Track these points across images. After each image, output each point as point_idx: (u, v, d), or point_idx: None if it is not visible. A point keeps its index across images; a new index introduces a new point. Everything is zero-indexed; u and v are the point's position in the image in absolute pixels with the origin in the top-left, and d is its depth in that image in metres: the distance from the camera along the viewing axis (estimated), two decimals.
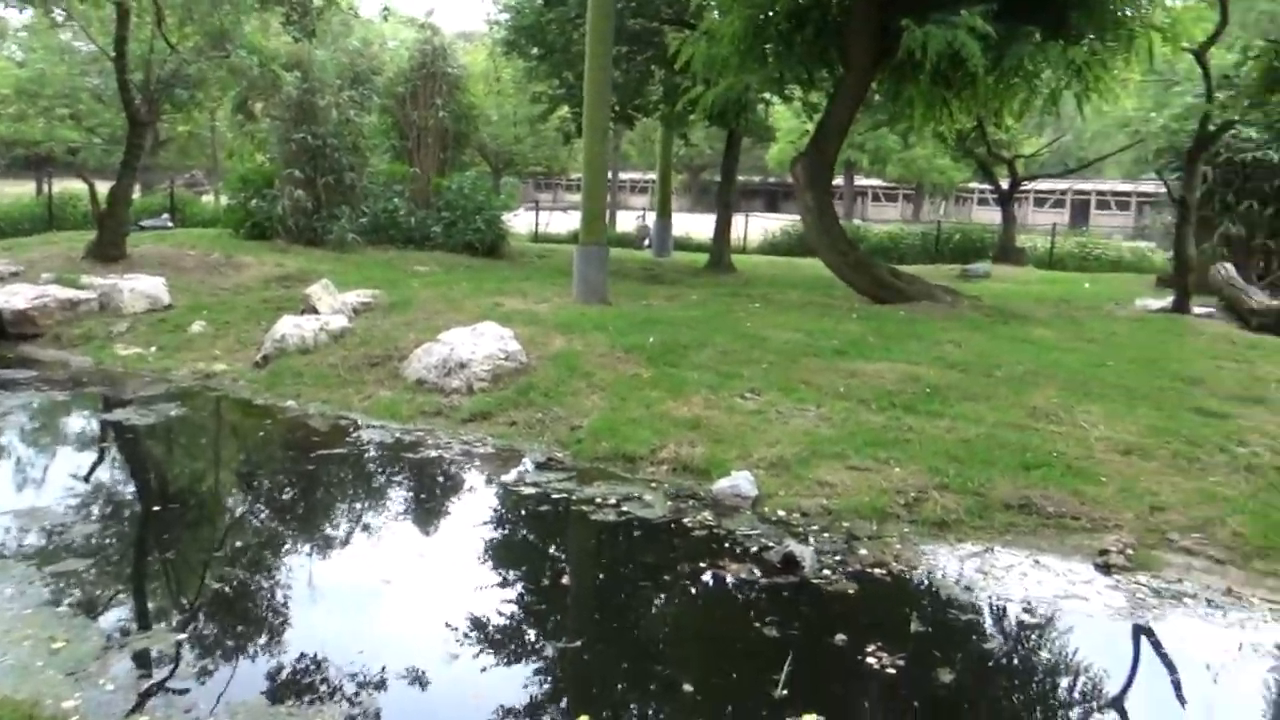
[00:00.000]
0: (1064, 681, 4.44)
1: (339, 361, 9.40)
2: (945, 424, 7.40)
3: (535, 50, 17.12)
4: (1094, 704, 4.24)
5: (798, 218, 33.69)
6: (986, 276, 18.85)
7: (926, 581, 5.34)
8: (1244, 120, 12.66)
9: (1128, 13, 11.36)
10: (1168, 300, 11.85)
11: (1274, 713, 4.26)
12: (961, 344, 9.64)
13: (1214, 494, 6.21)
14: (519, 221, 23.32)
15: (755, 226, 27.37)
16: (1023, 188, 26.24)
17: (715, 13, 12.84)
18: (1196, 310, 11.51)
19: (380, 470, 7.22)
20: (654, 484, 6.69)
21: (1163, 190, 47.85)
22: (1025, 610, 5.01)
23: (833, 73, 13.46)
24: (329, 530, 6.12)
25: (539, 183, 48.27)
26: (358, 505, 6.55)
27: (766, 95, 16.39)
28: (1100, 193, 54.75)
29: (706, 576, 5.30)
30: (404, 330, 10.11)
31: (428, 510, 6.62)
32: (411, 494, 6.84)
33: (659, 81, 17.27)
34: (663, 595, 5.20)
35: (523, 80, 20.49)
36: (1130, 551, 5.65)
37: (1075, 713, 4.19)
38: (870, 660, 4.35)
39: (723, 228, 18.37)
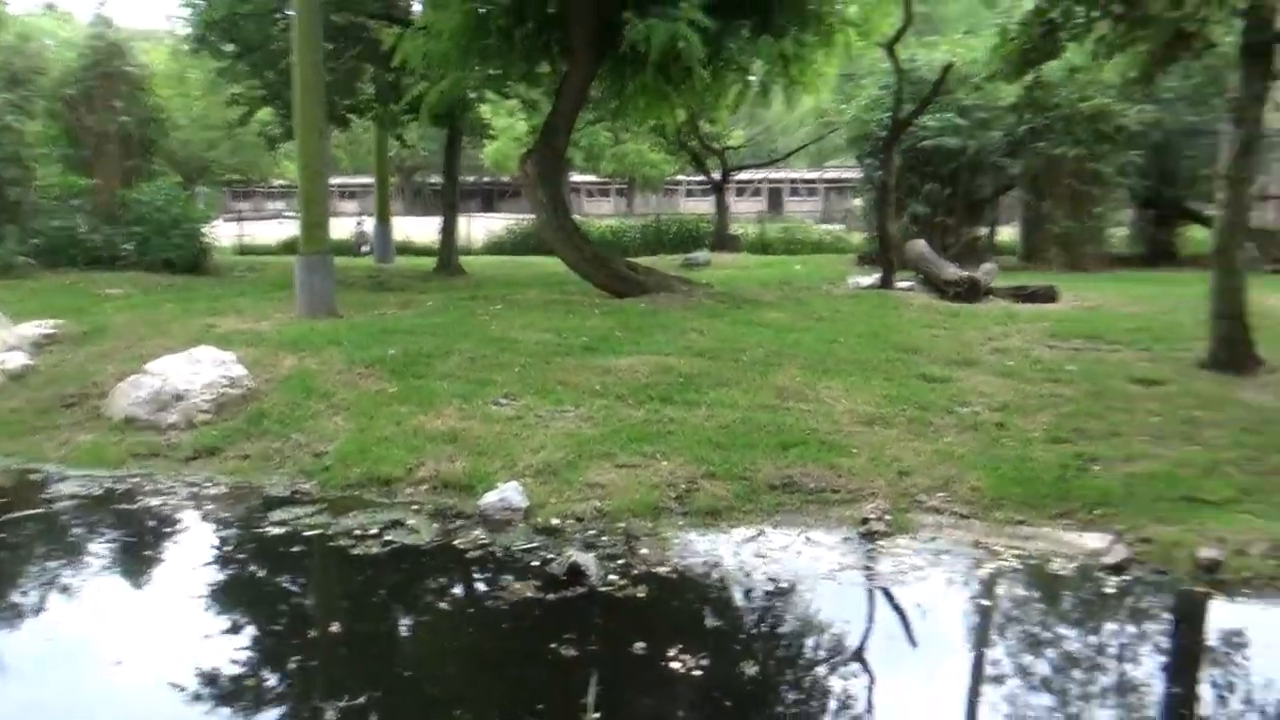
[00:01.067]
0: (854, 653, 4.54)
1: (24, 405, 8.06)
2: (703, 412, 7.48)
3: (229, 48, 15.69)
4: (891, 670, 4.36)
5: (519, 217, 33.72)
6: (708, 265, 19.63)
7: (711, 573, 5.30)
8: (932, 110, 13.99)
9: (825, 8, 12.13)
10: (875, 277, 12.86)
11: (1026, 654, 4.58)
12: (705, 332, 9.86)
13: (950, 453, 6.69)
14: (219, 233, 21.44)
15: (479, 227, 26.93)
16: (729, 178, 27.70)
17: (430, 7, 12.32)
18: (900, 285, 12.56)
19: (89, 528, 6.19)
20: (416, 506, 6.23)
21: (846, 176, 52.09)
22: (807, 589, 5.10)
23: (556, 68, 13.37)
24: (25, 612, 5.11)
25: (237, 192, 44.98)
26: (65, 575, 5.54)
27: (487, 92, 16.05)
28: (792, 181, 59.06)
29: (491, 601, 4.97)
30: (102, 363, 8.85)
31: (156, 569, 5.74)
32: (132, 553, 5.91)
33: (370, 79, 16.44)
34: (447, 629, 4.80)
35: (215, 81, 18.77)
36: (888, 517, 5.93)
37: (879, 683, 4.28)
38: (675, 665, 4.21)
39: (449, 229, 17.84)
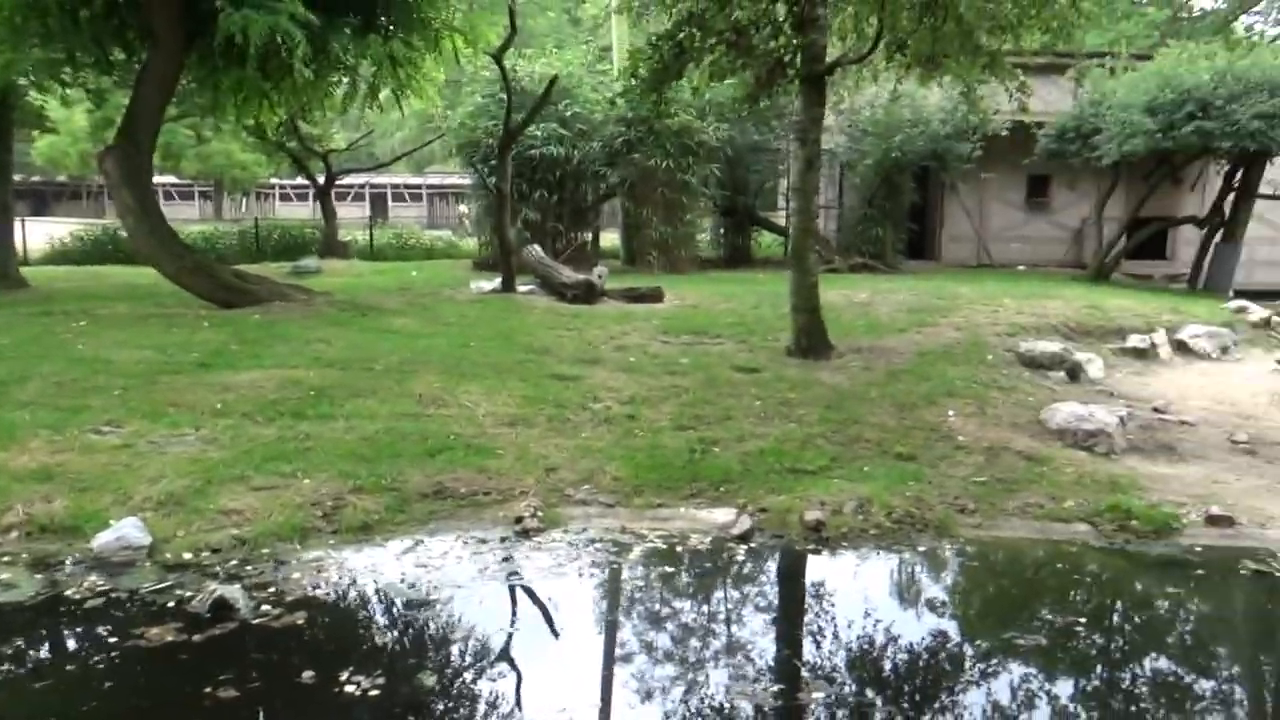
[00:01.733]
0: (528, 646, 4.65)
1: None
2: (342, 425, 7.19)
3: None
4: (562, 656, 4.53)
5: (83, 222, 29.65)
6: (319, 272, 18.76)
7: (372, 590, 5.14)
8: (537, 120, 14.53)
9: (430, 14, 12.13)
10: (497, 282, 13.12)
11: (671, 624, 5.02)
12: (331, 341, 9.45)
13: (589, 447, 7.06)
14: None
15: (39, 233, 23.30)
16: (334, 182, 26.65)
17: None
18: (521, 289, 12.95)
19: None
20: (9, 558, 5.32)
21: (450, 182, 52.09)
22: (471, 592, 5.12)
23: (135, 54, 11.99)
24: None
25: None
26: None
27: (47, 79, 13.94)
28: (395, 186, 58.21)
29: (125, 652, 4.39)
30: None
31: None
32: None
33: None
34: (78, 691, 4.16)
35: None
36: (540, 513, 6.13)
37: (553, 670, 4.42)
38: (350, 688, 4.04)
39: (6, 236, 15.24)
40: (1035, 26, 7.95)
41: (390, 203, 56.84)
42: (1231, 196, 17.34)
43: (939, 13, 7.85)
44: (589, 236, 19.75)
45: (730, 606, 5.24)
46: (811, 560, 5.73)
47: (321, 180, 23.73)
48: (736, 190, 19.45)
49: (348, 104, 13.21)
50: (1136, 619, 5.35)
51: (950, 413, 7.90)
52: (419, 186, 57.03)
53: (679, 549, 5.75)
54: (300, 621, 4.68)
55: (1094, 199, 20.85)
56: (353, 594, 5.07)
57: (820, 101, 9.01)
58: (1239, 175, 17.00)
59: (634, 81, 9.45)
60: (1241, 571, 5.59)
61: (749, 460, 6.86)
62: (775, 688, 4.21)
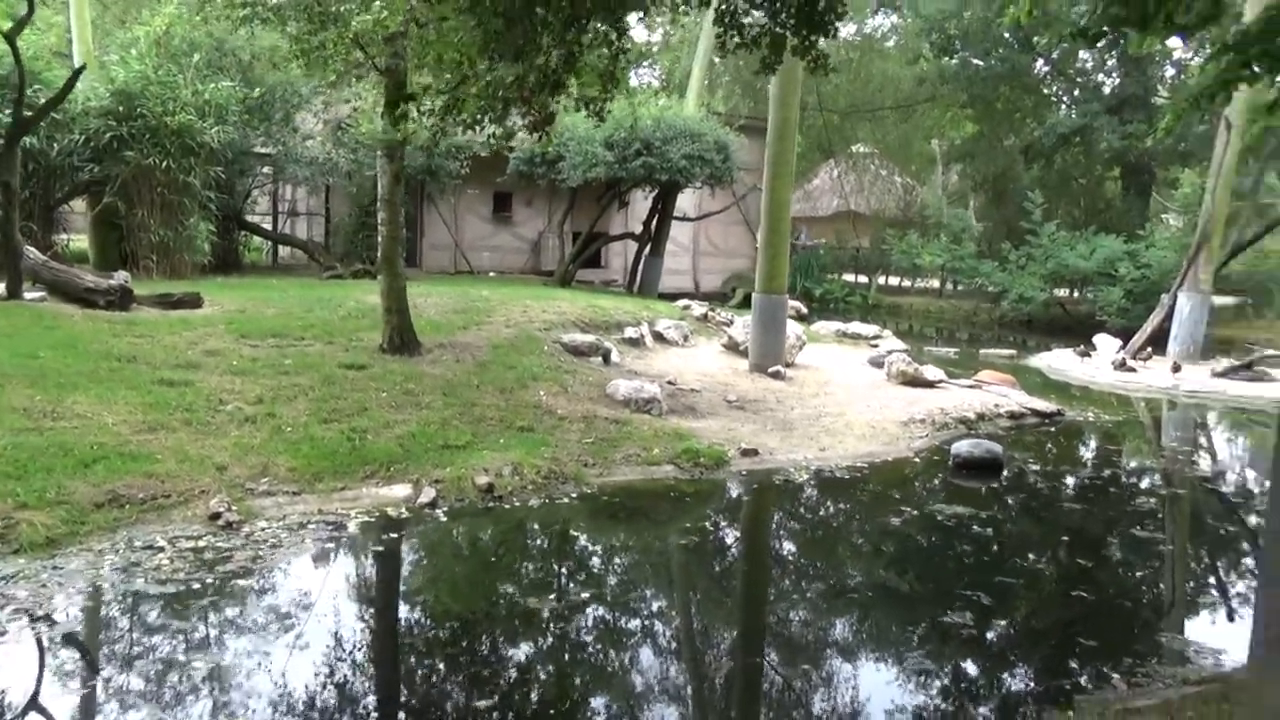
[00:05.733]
0: (234, 658, 5.23)
1: None
2: None
3: None
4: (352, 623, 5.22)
5: None
6: None
7: (95, 602, 5.18)
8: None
9: None
10: (1, 288, 11.51)
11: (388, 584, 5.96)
12: None
13: (248, 445, 7.35)
14: None
15: None
16: None
17: None
18: (29, 296, 11.56)
19: None
20: None
21: None
22: (210, 587, 5.44)
23: None
24: None
25: None
26: None
27: None
28: None
29: None
30: None
31: None
32: None
33: None
34: None
35: None
36: (234, 507, 6.43)
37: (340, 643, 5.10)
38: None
39: None
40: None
41: None
42: (656, 219, 21.74)
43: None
44: (64, 238, 17.65)
45: (461, 549, 6.28)
46: (498, 511, 6.95)
47: None
48: (230, 194, 18.93)
49: None
50: (731, 514, 7.55)
51: (541, 393, 9.56)
52: None
53: (386, 519, 6.56)
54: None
55: (548, 215, 24.27)
56: (69, 609, 5.09)
57: (405, 118, 10.00)
58: (661, 202, 21.41)
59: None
60: (775, 480, 8.16)
61: (405, 442, 7.76)
62: (534, 596, 5.47)
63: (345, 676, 4.52)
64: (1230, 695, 3.76)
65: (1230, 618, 5.84)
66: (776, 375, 11.99)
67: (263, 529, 6.22)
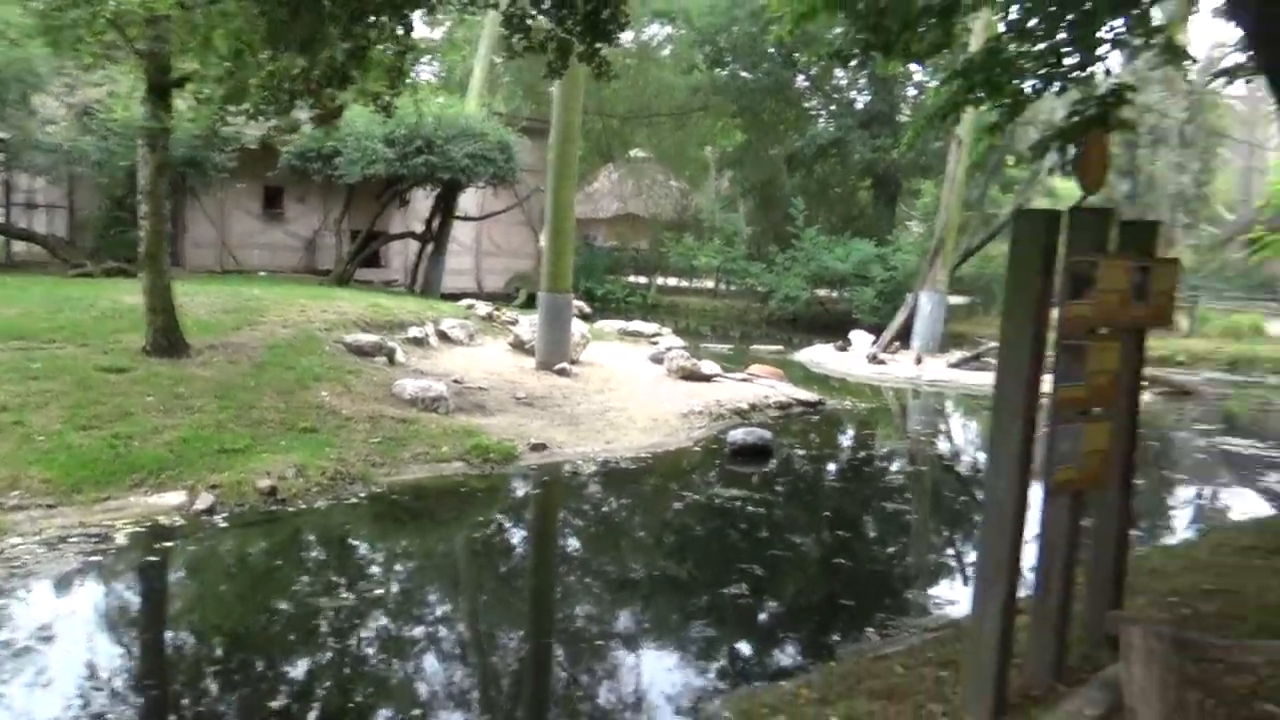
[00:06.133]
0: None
1: None
2: None
3: None
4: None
5: None
6: None
7: None
8: None
9: None
10: None
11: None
12: None
13: None
14: None
15: None
16: None
17: None
18: None
19: None
20: None
21: None
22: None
23: None
24: None
25: None
26: None
27: None
28: None
29: None
30: None
31: None
32: None
33: None
34: None
35: None
36: None
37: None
38: None
39: None
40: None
41: None
42: (438, 218, 21.48)
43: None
44: None
45: (240, 556, 6.06)
46: (282, 515, 6.77)
47: None
48: None
49: None
50: (522, 508, 7.70)
51: (324, 393, 9.31)
52: None
53: (162, 527, 6.26)
54: None
55: (323, 212, 23.41)
56: None
57: (168, 109, 9.45)
58: (444, 201, 21.20)
59: None
60: (564, 472, 8.41)
61: (176, 448, 7.38)
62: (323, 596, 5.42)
63: (103, 705, 4.28)
64: (960, 635, 4.35)
65: (964, 575, 6.64)
66: (563, 372, 12.26)
67: (14, 545, 5.76)
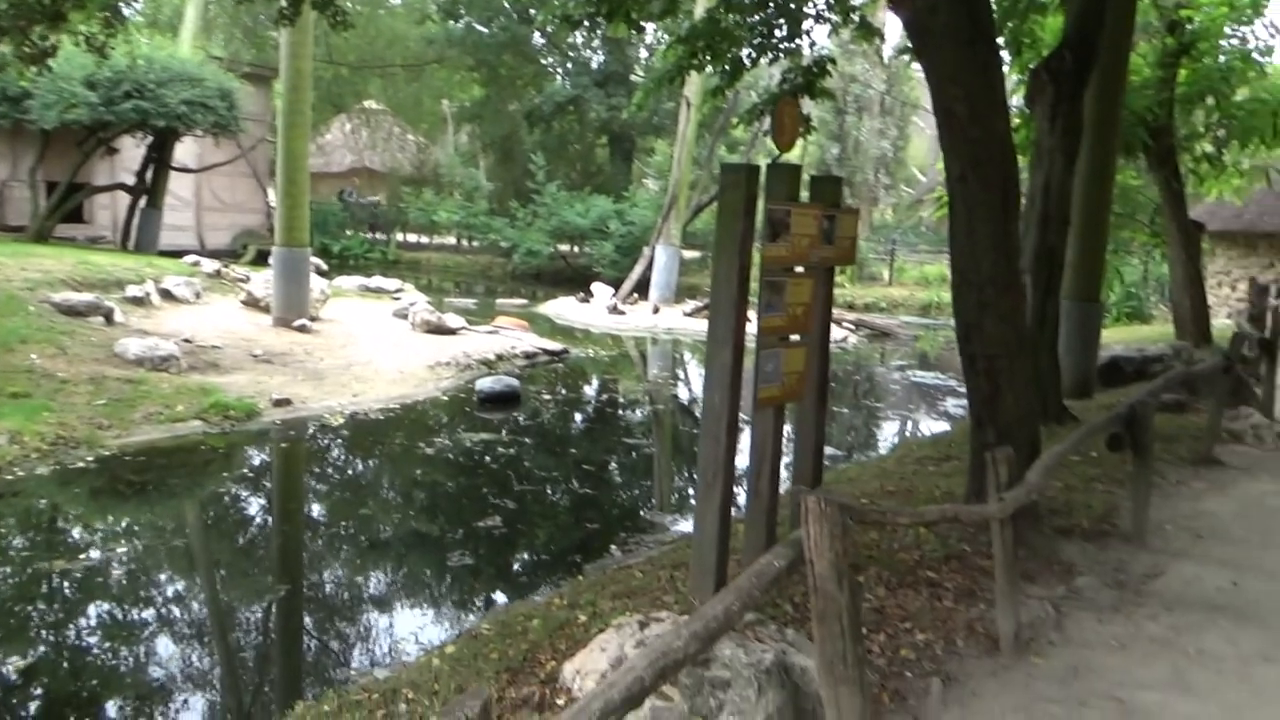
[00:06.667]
0: None
1: None
2: None
3: None
4: None
5: None
6: None
7: None
8: None
9: None
10: None
11: None
12: None
13: None
14: None
15: None
16: None
17: None
18: None
19: None
20: None
21: None
22: None
23: None
24: None
25: None
26: None
27: None
28: None
29: None
30: None
31: None
32: None
33: None
34: None
35: None
36: None
37: None
38: None
39: None
40: None
41: None
42: (152, 169, 19.83)
43: None
44: None
45: None
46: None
47: None
48: None
49: None
50: (269, 463, 7.59)
51: (34, 356, 8.59)
52: None
53: None
54: None
55: (12, 161, 20.94)
56: None
57: None
58: (158, 150, 19.57)
59: None
60: (311, 426, 8.35)
61: None
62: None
63: None
64: (690, 543, 4.94)
65: (695, 495, 7.37)
66: (303, 329, 11.95)
67: None
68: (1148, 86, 10.75)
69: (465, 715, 1.55)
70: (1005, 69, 7.45)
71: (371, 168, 33.64)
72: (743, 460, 4.16)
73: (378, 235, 29.12)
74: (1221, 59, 11.03)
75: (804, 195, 4.21)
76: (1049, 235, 7.08)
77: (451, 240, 29.63)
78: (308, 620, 5.03)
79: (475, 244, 28.47)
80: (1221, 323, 13.49)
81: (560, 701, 3.02)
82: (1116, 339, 12.47)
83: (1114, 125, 8.69)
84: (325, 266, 19.71)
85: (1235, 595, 4.11)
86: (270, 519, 6.68)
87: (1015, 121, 9.13)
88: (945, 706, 3.12)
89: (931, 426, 10.25)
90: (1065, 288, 7.73)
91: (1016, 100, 9.66)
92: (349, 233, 28.26)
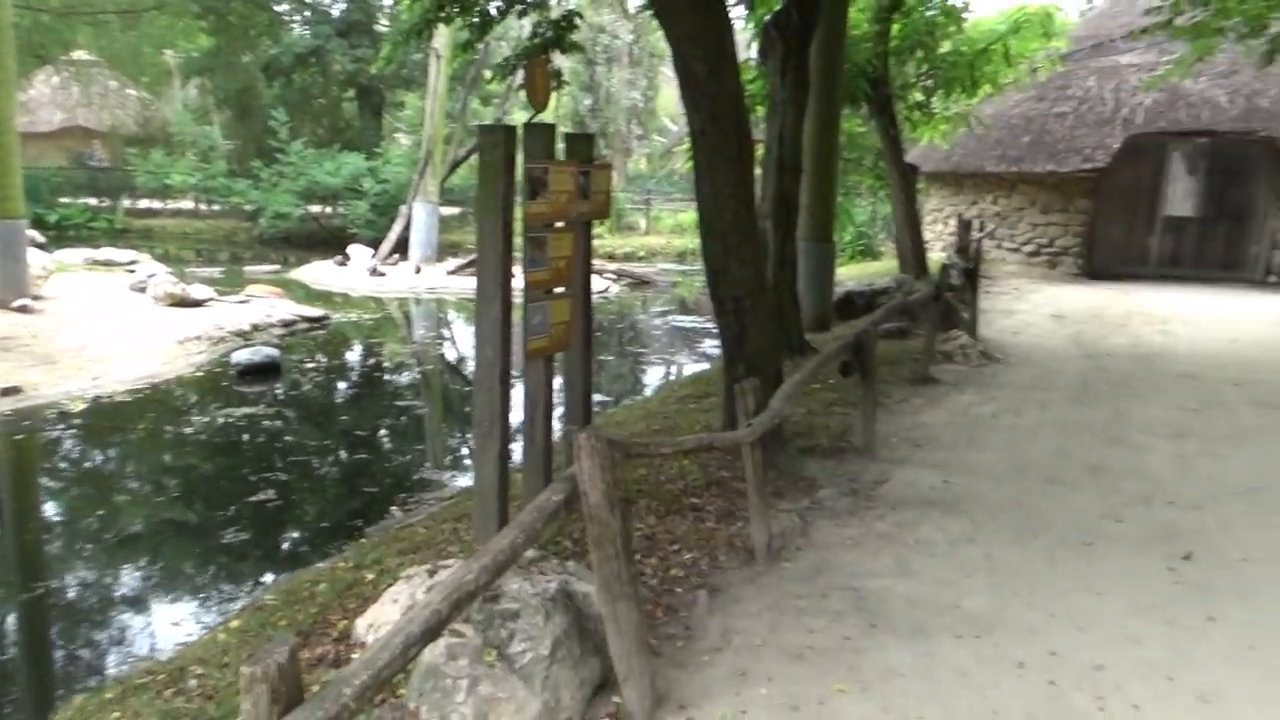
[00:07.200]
0: None
1: None
2: None
3: None
4: None
5: None
6: None
7: None
8: None
9: None
10: None
11: None
12: None
13: None
14: None
15: None
16: None
17: None
18: None
19: None
20: None
21: None
22: None
23: None
24: None
25: None
26: None
27: None
28: None
29: None
30: None
31: None
32: None
33: None
34: None
35: None
36: None
37: None
38: None
39: None
40: None
41: None
42: None
43: None
44: None
45: None
46: None
47: None
48: None
49: None
50: (6, 456, 6.97)
51: None
52: None
53: None
54: None
55: None
56: None
57: None
58: None
59: None
60: (48, 414, 7.72)
61: None
62: None
63: None
64: (470, 497, 5.10)
65: (471, 451, 7.51)
66: (25, 309, 10.85)
67: None
68: (866, 40, 11.72)
69: (276, 662, 1.66)
70: (740, 25, 7.95)
71: (87, 126, 30.52)
72: (516, 415, 4.35)
73: (102, 201, 26.55)
74: (929, 14, 12.21)
75: (560, 152, 4.40)
76: (785, 182, 7.68)
77: (189, 205, 27.49)
78: (65, 621, 4.76)
79: (216, 208, 26.57)
80: (937, 256, 15.08)
81: (356, 655, 3.12)
82: (850, 275, 13.65)
83: (838, 77, 9.45)
84: (43, 239, 17.84)
85: (945, 491, 4.80)
86: (4, 520, 6.17)
87: (751, 75, 9.78)
88: (711, 614, 3.49)
89: (692, 367, 10.87)
90: (801, 230, 8.43)
91: (752, 53, 10.24)
92: (66, 200, 25.64)
